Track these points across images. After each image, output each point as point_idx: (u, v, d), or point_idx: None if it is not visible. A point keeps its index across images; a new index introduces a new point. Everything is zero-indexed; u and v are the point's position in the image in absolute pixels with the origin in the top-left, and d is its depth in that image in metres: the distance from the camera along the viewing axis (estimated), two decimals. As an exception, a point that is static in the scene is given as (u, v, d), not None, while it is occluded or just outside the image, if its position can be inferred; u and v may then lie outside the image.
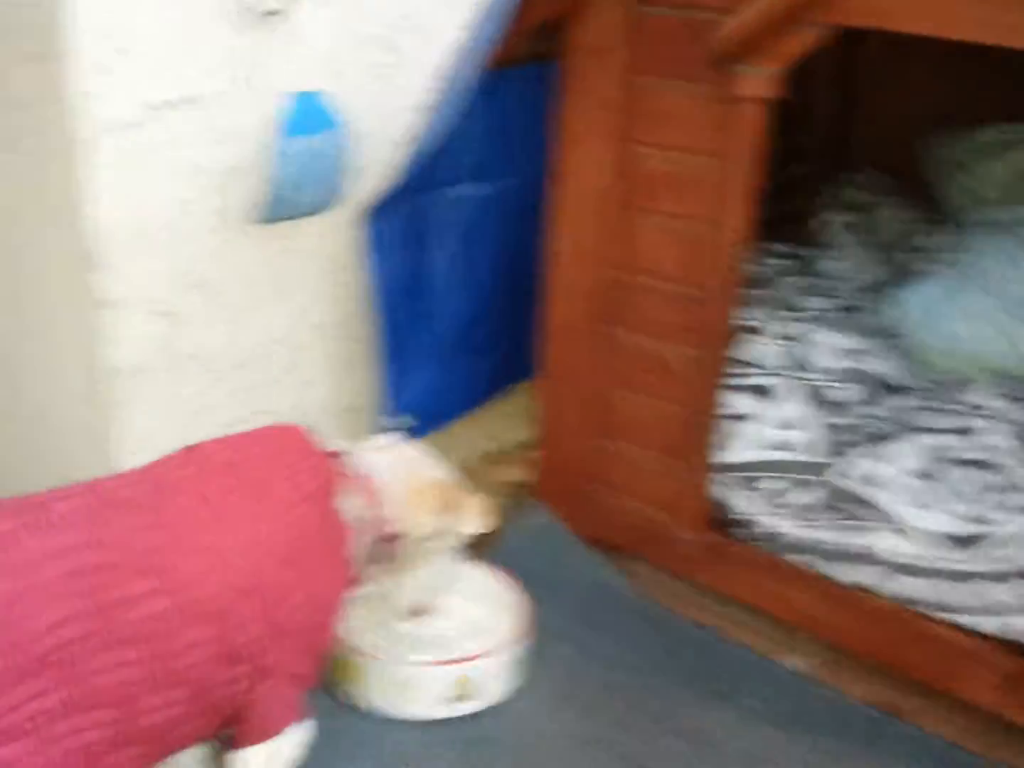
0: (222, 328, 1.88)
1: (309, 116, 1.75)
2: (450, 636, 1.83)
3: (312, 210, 1.85)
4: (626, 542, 2.10)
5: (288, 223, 1.90)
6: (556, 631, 1.95)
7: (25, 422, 1.95)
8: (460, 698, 1.76)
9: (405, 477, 1.59)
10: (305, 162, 1.76)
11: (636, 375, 1.97)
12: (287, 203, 1.79)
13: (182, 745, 1.31)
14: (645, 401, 1.97)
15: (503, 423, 2.45)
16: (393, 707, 1.77)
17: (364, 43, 1.92)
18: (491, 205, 2.10)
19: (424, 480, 1.60)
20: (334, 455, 1.53)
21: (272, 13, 1.76)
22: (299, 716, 1.40)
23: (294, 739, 1.41)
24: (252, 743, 1.35)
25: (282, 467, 1.38)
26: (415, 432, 2.08)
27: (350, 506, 1.49)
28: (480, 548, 2.13)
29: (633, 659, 1.94)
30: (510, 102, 2.05)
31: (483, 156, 2.05)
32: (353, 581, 1.49)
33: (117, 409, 1.78)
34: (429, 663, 1.75)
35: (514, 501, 2.25)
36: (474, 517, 1.62)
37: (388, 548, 1.54)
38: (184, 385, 1.85)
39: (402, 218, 1.97)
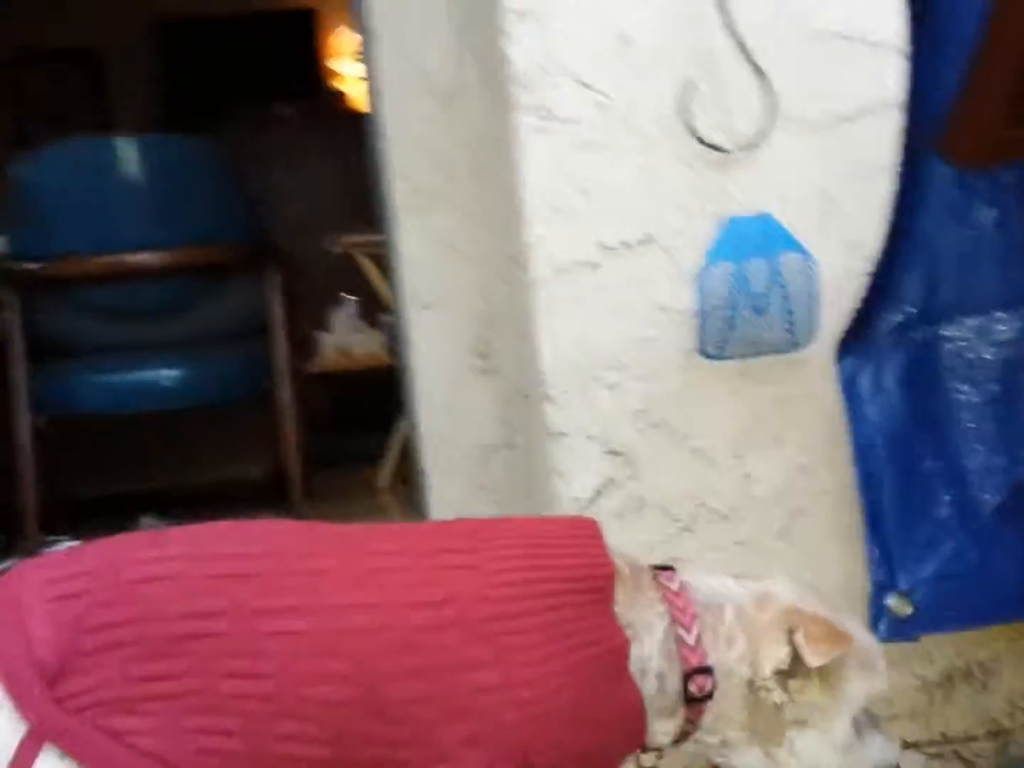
0: (689, 475, 1.79)
1: (750, 239, 1.65)
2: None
3: (775, 346, 1.69)
4: None
5: (780, 367, 1.77)
6: None
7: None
8: None
9: (753, 608, 1.33)
10: (747, 288, 1.65)
11: None
12: (734, 335, 1.68)
13: None
14: None
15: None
16: None
17: (859, 172, 1.75)
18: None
19: (777, 609, 1.32)
20: (660, 570, 1.36)
21: (741, 149, 1.72)
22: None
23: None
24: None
25: (530, 544, 1.29)
26: (928, 625, 1.68)
27: (644, 620, 1.30)
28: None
29: None
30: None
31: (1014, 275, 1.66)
32: (633, 711, 1.27)
33: (577, 547, 1.79)
34: None
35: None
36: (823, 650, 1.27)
37: (700, 686, 1.29)
38: (642, 531, 1.78)
39: (899, 356, 1.68)
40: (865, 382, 1.69)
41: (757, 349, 1.70)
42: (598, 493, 1.78)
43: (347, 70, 6.80)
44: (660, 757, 1.45)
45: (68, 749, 1.17)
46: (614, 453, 1.78)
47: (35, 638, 1.18)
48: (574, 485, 1.78)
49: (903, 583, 1.68)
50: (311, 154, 6.89)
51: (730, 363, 1.76)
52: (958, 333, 1.69)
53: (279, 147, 7.10)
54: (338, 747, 1.20)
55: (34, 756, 1.18)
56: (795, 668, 1.31)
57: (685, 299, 1.75)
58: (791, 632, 1.30)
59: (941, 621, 1.68)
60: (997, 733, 1.77)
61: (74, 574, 1.23)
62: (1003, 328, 1.68)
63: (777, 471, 1.80)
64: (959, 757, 1.75)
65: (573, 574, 1.29)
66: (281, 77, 6.65)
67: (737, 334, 1.68)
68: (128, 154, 3.41)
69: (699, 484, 1.79)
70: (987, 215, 1.66)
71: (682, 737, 1.36)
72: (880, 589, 1.68)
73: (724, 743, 1.36)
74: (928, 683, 1.80)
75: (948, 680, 1.79)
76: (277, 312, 3.77)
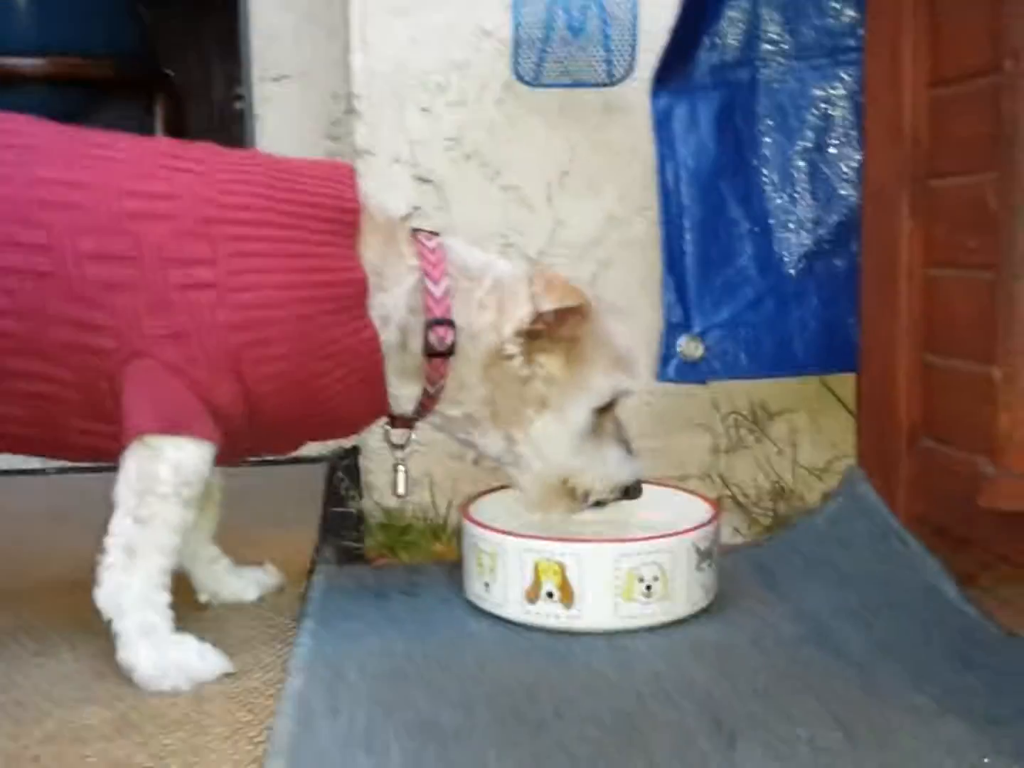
0: (500, 213, 1.73)
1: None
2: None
3: (592, 74, 1.63)
4: (948, 516, 1.34)
5: (600, 110, 1.71)
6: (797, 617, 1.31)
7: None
8: (551, 597, 1.26)
9: (512, 280, 1.29)
10: (564, 4, 1.59)
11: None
12: (550, 56, 1.62)
13: (51, 406, 1.17)
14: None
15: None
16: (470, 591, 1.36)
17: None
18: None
19: (529, 275, 1.29)
20: (422, 232, 1.31)
21: None
22: (181, 429, 1.15)
23: (178, 460, 1.15)
24: (124, 442, 1.15)
25: (274, 168, 1.24)
26: (718, 370, 1.64)
27: (393, 269, 1.24)
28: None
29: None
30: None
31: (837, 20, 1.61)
32: (368, 353, 1.22)
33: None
34: (512, 534, 1.31)
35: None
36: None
37: (440, 336, 1.25)
38: (446, 261, 1.72)
39: (716, 96, 1.63)
40: (679, 120, 1.64)
41: (574, 76, 1.64)
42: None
43: None
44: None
45: None
46: (423, 180, 1.72)
47: None
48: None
49: (697, 326, 1.64)
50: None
51: (549, 98, 1.70)
52: (777, 78, 1.64)
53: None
54: (28, 323, 1.14)
55: None
56: (538, 338, 1.28)
57: (510, 27, 1.69)
58: (531, 286, 1.27)
59: (731, 367, 1.64)
60: (781, 492, 1.74)
61: None
62: (822, 76, 1.63)
63: (592, 219, 1.75)
64: (741, 507, 1.72)
65: (315, 201, 1.23)
66: None
67: (553, 55, 1.62)
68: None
69: (509, 223, 1.74)
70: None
71: (426, 403, 1.32)
72: (673, 330, 1.64)
73: (468, 418, 1.33)
74: (717, 445, 1.77)
75: (739, 443, 1.76)
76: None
